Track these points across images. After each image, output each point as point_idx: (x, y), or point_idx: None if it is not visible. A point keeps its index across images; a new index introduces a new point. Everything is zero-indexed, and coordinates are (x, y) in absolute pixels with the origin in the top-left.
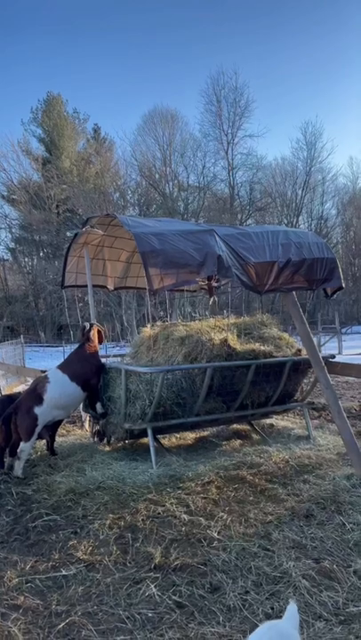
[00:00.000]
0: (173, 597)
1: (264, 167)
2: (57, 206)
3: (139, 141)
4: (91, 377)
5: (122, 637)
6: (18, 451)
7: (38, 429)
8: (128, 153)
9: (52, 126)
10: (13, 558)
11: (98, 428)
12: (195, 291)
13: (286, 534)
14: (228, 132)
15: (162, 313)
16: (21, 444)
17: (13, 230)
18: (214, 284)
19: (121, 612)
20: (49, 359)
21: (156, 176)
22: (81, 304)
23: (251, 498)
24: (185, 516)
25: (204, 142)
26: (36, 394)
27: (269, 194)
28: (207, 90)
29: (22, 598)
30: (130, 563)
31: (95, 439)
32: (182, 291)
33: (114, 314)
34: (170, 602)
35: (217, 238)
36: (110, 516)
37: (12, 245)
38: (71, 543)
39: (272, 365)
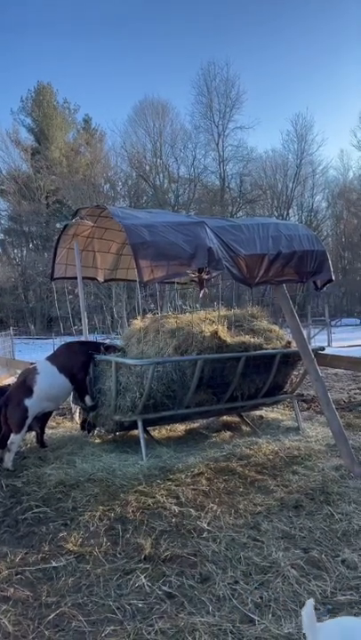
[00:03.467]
0: (163, 588)
1: (255, 159)
2: (46, 197)
3: (129, 132)
4: (79, 370)
5: (112, 628)
6: (8, 443)
7: (28, 421)
8: (118, 144)
9: (41, 116)
10: (3, 550)
11: (84, 417)
12: (185, 283)
13: (276, 525)
14: (219, 124)
15: (152, 305)
16: (11, 435)
17: (2, 221)
18: (205, 277)
19: (111, 603)
20: (39, 351)
21: (147, 167)
22: (71, 296)
23: (241, 489)
24: (175, 508)
25: (194, 134)
26: (25, 386)
27: (260, 186)
28: (198, 81)
29: (12, 590)
30: (120, 554)
31: (83, 431)
32: (173, 283)
33: (104, 306)
34: (160, 592)
35: (208, 230)
36: (100, 507)
37: (0, 237)
38: (61, 535)
39: (262, 357)
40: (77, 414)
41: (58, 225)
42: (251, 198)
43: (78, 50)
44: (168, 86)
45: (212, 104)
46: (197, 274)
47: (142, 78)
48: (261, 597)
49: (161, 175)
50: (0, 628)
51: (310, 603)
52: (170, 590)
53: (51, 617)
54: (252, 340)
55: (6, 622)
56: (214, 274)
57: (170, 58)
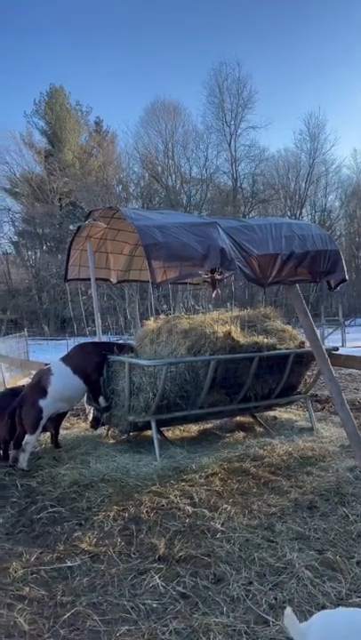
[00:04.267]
0: (178, 588)
1: (267, 159)
2: (59, 199)
3: (141, 134)
4: (92, 370)
5: (127, 627)
6: (23, 443)
7: (43, 422)
8: (130, 145)
9: (54, 119)
10: (19, 550)
11: (94, 416)
12: (198, 284)
13: (290, 526)
14: (231, 124)
15: (165, 306)
16: (26, 436)
17: (16, 224)
18: (217, 277)
19: (125, 603)
20: (53, 352)
21: (159, 168)
22: (84, 297)
23: (254, 490)
24: (189, 508)
25: (206, 134)
26: (40, 386)
27: (272, 186)
28: (209, 81)
29: (28, 589)
30: (134, 554)
31: (94, 429)
32: (185, 283)
33: (117, 307)
34: (174, 592)
35: (220, 231)
36: (114, 507)
37: (15, 239)
38: (76, 535)
39: (275, 358)
40: (91, 415)
41: (71, 227)
42: (263, 198)
43: (89, 52)
44: (179, 87)
45: (223, 104)
46: (210, 274)
47: (153, 79)
48: (276, 598)
49: (173, 176)
50: (16, 626)
51: (288, 611)
52: (184, 590)
53: (66, 616)
54: (265, 340)
55: (22, 621)
56: (227, 274)
57: (181, 58)
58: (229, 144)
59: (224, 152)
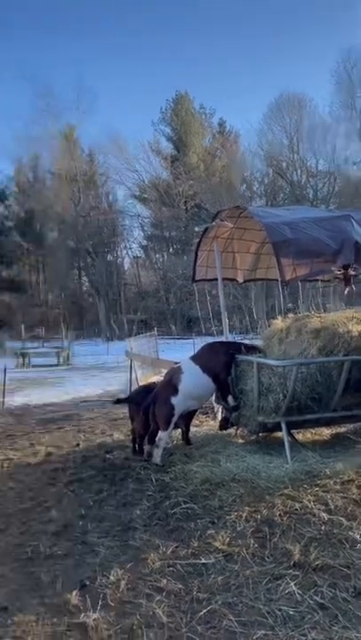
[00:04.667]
0: (315, 598)
1: None
2: (185, 202)
3: (265, 130)
4: (221, 369)
5: (263, 632)
6: (156, 439)
7: (175, 419)
8: (254, 143)
9: (180, 124)
10: (155, 542)
11: (225, 416)
12: (328, 280)
13: None
14: None
15: (290, 305)
16: (159, 432)
17: (145, 228)
18: (351, 273)
19: (261, 607)
20: (180, 351)
21: (283, 164)
22: (209, 297)
23: None
24: (324, 515)
25: (334, 125)
26: (171, 384)
27: None
28: (337, 69)
29: (165, 581)
30: (268, 557)
31: (223, 431)
32: (316, 281)
33: (243, 306)
34: (311, 602)
35: (354, 224)
36: (246, 508)
37: (144, 243)
38: (209, 532)
39: None
40: (220, 414)
41: (196, 228)
42: None
43: (208, 52)
44: (304, 79)
45: (353, 91)
46: (343, 270)
47: (277, 72)
48: None
49: (298, 171)
50: (155, 617)
51: None
52: (322, 601)
53: (202, 613)
54: None
55: (160, 612)
56: None
57: (305, 49)
58: (360, 133)
59: (353, 142)
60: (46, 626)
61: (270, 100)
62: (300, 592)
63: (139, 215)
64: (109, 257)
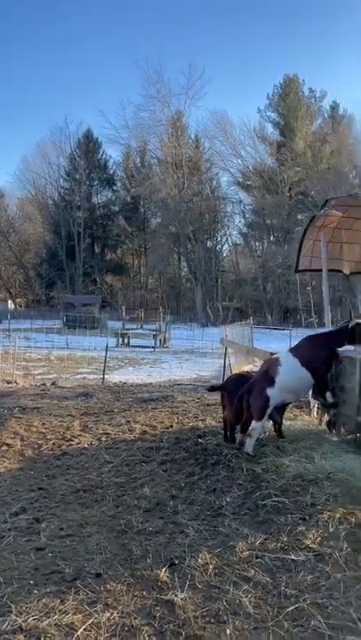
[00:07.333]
0: None
1: None
2: (289, 189)
3: None
4: (320, 365)
5: (353, 637)
6: (249, 429)
7: (269, 410)
8: None
9: (286, 109)
10: (244, 531)
11: (329, 418)
12: None
13: None
14: None
15: None
16: (253, 422)
17: (246, 215)
18: None
19: (352, 612)
20: (275, 341)
21: None
22: (308, 288)
23: None
24: None
25: None
26: (268, 375)
27: None
28: None
29: (253, 572)
30: None
31: (327, 431)
32: None
33: (343, 299)
34: None
35: None
36: (340, 509)
37: (244, 230)
38: (299, 529)
39: None
40: (315, 409)
41: (300, 216)
42: None
43: (319, 33)
44: None
45: None
46: None
47: None
48: None
49: None
50: (241, 606)
51: None
52: None
53: (290, 609)
54: None
55: (247, 602)
56: None
57: None
58: None
59: None
60: (136, 598)
61: None
62: None
63: (241, 202)
64: (209, 243)
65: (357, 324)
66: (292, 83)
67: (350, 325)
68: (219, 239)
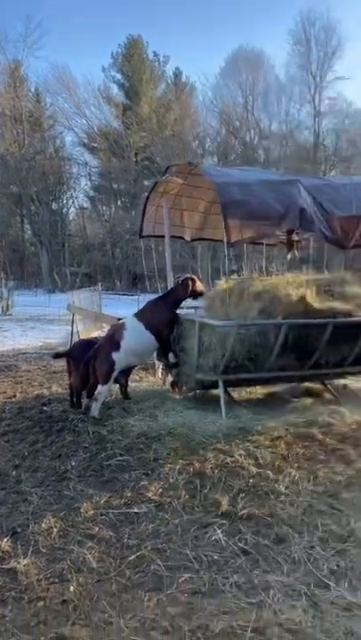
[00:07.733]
0: (239, 544)
1: (353, 114)
2: (135, 154)
3: (220, 85)
4: (164, 327)
5: (188, 575)
6: (95, 393)
7: (115, 374)
8: (208, 98)
9: (131, 71)
10: (89, 492)
11: (173, 378)
12: (274, 244)
13: (356, 495)
14: (316, 75)
15: (234, 267)
16: (99, 386)
17: (93, 178)
18: (295, 238)
19: (188, 552)
20: (123, 307)
21: (237, 123)
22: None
23: (320, 456)
24: (253, 469)
25: (289, 86)
26: (114, 340)
27: (358, 143)
28: (296, 28)
29: (97, 529)
30: (198, 507)
31: (170, 390)
32: (260, 244)
33: (187, 265)
34: (235, 548)
35: (301, 190)
36: (180, 461)
37: (91, 194)
38: (142, 483)
39: (351, 325)
40: (160, 370)
41: (146, 182)
42: (346, 156)
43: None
44: (263, 35)
45: (309, 53)
46: (287, 235)
47: (235, 27)
48: (338, 565)
49: (251, 131)
50: (85, 562)
51: None
52: (245, 547)
53: (131, 558)
54: (341, 306)
55: (90, 558)
56: (305, 235)
57: (266, 6)
58: (313, 97)
59: (307, 105)
60: None
61: (228, 54)
62: (225, 539)
63: (87, 164)
64: (54, 206)
65: (189, 278)
66: (137, 43)
67: (181, 279)
68: (65, 202)
